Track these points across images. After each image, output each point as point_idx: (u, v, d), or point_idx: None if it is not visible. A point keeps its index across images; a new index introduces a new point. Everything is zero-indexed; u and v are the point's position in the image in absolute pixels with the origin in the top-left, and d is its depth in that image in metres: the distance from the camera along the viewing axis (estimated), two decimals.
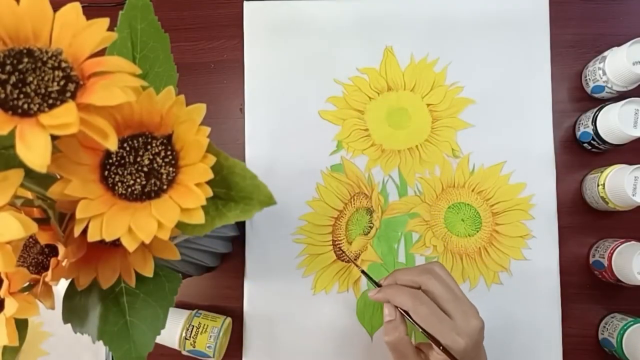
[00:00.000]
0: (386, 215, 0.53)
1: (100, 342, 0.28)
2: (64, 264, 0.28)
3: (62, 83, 0.21)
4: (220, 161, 0.26)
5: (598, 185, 0.49)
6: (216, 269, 0.55)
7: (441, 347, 0.37)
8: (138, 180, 0.24)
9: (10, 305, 0.24)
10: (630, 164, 0.46)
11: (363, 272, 0.47)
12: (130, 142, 0.25)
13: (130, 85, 0.22)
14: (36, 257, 0.32)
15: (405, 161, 0.54)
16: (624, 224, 0.52)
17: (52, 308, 0.29)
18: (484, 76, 0.54)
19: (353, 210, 0.54)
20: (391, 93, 0.55)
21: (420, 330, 0.39)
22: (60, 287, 0.29)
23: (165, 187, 0.25)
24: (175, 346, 0.50)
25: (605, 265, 0.48)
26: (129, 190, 0.24)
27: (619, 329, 0.47)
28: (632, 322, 0.47)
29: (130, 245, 0.23)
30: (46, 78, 0.20)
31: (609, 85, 0.49)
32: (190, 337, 0.49)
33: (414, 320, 0.39)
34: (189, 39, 0.58)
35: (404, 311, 0.40)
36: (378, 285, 0.45)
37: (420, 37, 0.55)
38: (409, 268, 0.44)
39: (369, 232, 0.54)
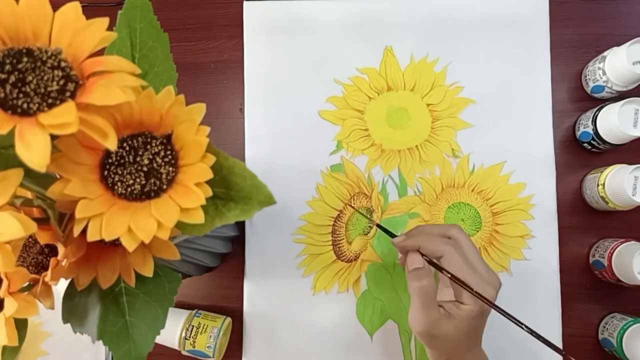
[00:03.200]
0: (386, 215, 0.53)
1: (100, 342, 0.28)
2: (63, 263, 0.28)
3: (61, 82, 0.21)
4: (220, 161, 0.26)
5: (598, 185, 0.49)
6: (216, 269, 0.55)
7: (476, 293, 0.38)
8: (138, 180, 0.24)
9: (10, 305, 0.24)
10: (630, 163, 0.46)
11: (378, 225, 0.47)
12: (129, 142, 0.25)
13: (129, 85, 0.22)
14: (36, 257, 0.32)
15: (405, 161, 0.54)
16: (624, 224, 0.52)
17: (52, 308, 0.29)
18: (484, 76, 0.54)
19: (353, 210, 0.54)
20: (391, 93, 0.55)
21: (451, 278, 0.39)
22: (60, 287, 0.29)
23: (164, 186, 0.25)
24: (175, 346, 0.50)
25: (605, 265, 0.48)
26: (129, 190, 0.24)
27: (619, 329, 0.47)
28: (632, 322, 0.47)
29: (129, 245, 0.23)
30: (46, 77, 0.20)
31: (609, 85, 0.49)
32: (190, 337, 0.49)
33: (443, 269, 0.39)
34: (189, 39, 0.58)
35: (432, 260, 0.41)
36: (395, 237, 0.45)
37: (420, 37, 0.55)
38: (434, 223, 0.43)
39: (369, 232, 0.54)
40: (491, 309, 0.40)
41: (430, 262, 0.41)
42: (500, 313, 0.37)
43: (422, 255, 0.41)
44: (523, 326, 0.37)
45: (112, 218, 0.23)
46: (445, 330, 0.39)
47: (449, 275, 0.39)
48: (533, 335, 0.36)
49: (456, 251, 0.40)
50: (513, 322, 0.37)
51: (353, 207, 0.48)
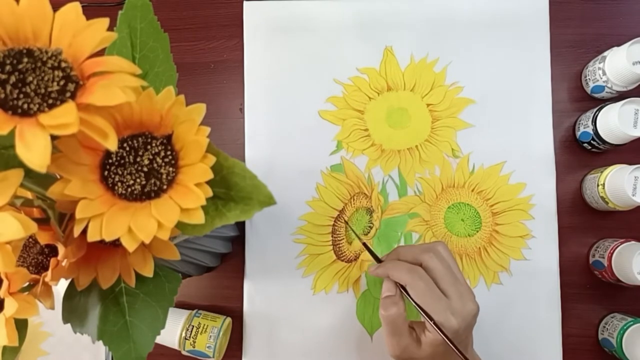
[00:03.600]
0: (386, 215, 0.53)
1: (100, 342, 0.28)
2: (63, 264, 0.28)
3: (61, 83, 0.21)
4: (220, 161, 0.26)
5: (598, 185, 0.49)
6: (216, 269, 0.55)
7: (434, 323, 0.37)
8: (138, 180, 0.24)
9: (10, 306, 0.24)
10: (630, 164, 0.46)
11: (365, 246, 0.47)
12: (130, 142, 0.25)
13: (130, 85, 0.22)
14: (36, 257, 0.32)
15: (405, 161, 0.54)
16: (624, 224, 0.52)
17: (52, 308, 0.29)
18: (483, 76, 0.54)
19: (353, 210, 0.54)
20: (391, 93, 0.55)
21: (415, 306, 0.39)
22: (60, 287, 0.29)
23: (165, 187, 0.25)
24: (175, 346, 0.50)
25: (605, 265, 0.48)
26: (129, 190, 0.24)
27: (619, 329, 0.47)
28: (632, 322, 0.47)
29: (130, 245, 0.23)
30: (46, 78, 0.20)
31: (609, 85, 0.49)
32: (190, 337, 0.49)
33: (409, 296, 0.39)
34: (189, 39, 0.58)
35: (402, 287, 0.40)
36: (380, 261, 0.45)
37: (420, 37, 0.55)
38: (412, 245, 0.44)
39: (368, 232, 0.54)
40: (472, 326, 0.40)
41: (401, 289, 0.41)
42: (452, 348, 0.37)
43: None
44: None
45: (112, 218, 0.23)
46: (414, 355, 0.40)
47: (415, 305, 0.39)
48: None
49: (420, 279, 0.39)
50: (461, 358, 0.37)
51: (361, 240, 0.49)
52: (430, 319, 0.38)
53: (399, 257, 0.43)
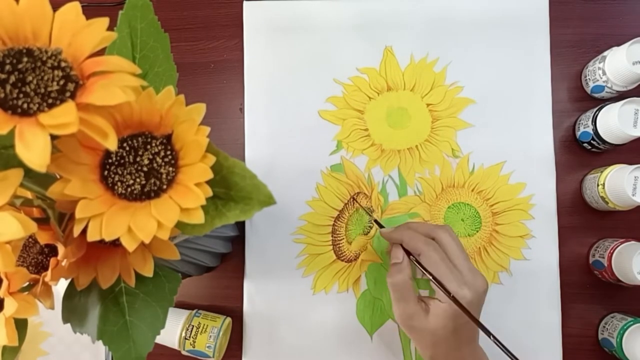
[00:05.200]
0: (386, 215, 0.53)
1: (100, 342, 0.28)
2: (63, 263, 0.28)
3: (61, 83, 0.21)
4: (219, 161, 0.26)
5: (598, 185, 0.49)
6: (216, 269, 0.55)
7: (449, 294, 0.38)
8: (138, 180, 0.24)
9: (10, 305, 0.24)
10: (630, 163, 0.46)
11: (376, 220, 0.49)
12: (129, 142, 0.25)
13: (130, 85, 0.22)
14: (36, 257, 0.32)
15: (405, 161, 0.54)
16: (624, 224, 0.52)
17: (52, 308, 0.29)
18: (483, 76, 0.54)
19: (353, 210, 0.54)
20: (391, 93, 0.55)
21: (428, 276, 0.39)
22: (60, 287, 0.29)
23: (165, 187, 0.25)
24: (175, 346, 0.50)
25: (605, 265, 0.48)
26: (129, 190, 0.24)
27: (619, 329, 0.47)
28: (632, 322, 0.47)
29: (129, 245, 0.23)
30: (46, 78, 0.20)
31: (609, 85, 0.49)
32: (190, 337, 0.49)
33: (421, 266, 0.40)
34: (189, 39, 0.58)
35: (413, 257, 0.41)
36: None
37: (420, 37, 0.55)
38: (424, 222, 0.44)
39: (368, 232, 0.54)
40: (482, 303, 0.40)
41: (412, 258, 0.42)
42: (469, 316, 0.37)
43: (406, 250, 0.42)
44: (491, 337, 0.36)
45: (112, 218, 0.23)
46: (422, 324, 0.40)
47: (426, 274, 0.39)
48: (499, 347, 0.36)
49: (435, 250, 0.40)
50: (481, 329, 0.37)
51: (357, 202, 0.49)
52: (444, 289, 0.38)
53: (410, 229, 0.44)
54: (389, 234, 0.45)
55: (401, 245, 0.43)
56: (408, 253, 0.42)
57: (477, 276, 0.40)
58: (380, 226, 0.48)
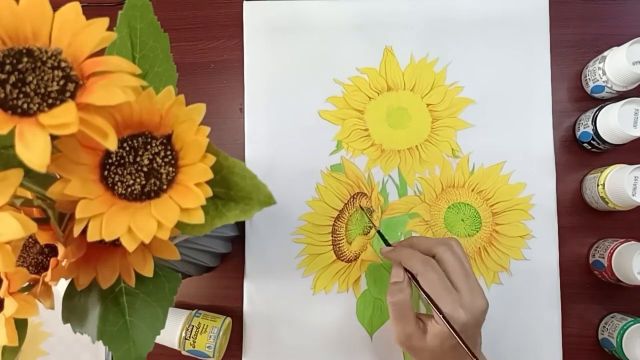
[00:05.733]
0: (386, 215, 0.53)
1: (100, 342, 0.28)
2: (63, 263, 0.28)
3: (61, 83, 0.21)
4: (219, 161, 0.26)
5: (598, 185, 0.49)
6: (216, 269, 0.55)
7: (442, 316, 0.37)
8: (138, 180, 0.24)
9: (10, 305, 0.24)
10: (630, 163, 0.46)
11: (378, 232, 0.48)
12: (129, 142, 0.25)
13: (129, 85, 0.22)
14: (36, 257, 0.32)
15: (405, 161, 0.54)
16: (624, 224, 0.52)
17: (52, 308, 0.29)
18: (483, 76, 0.54)
19: (353, 210, 0.54)
20: (391, 93, 0.55)
21: (425, 296, 0.39)
22: (60, 287, 0.29)
23: (165, 187, 0.25)
24: (175, 346, 0.50)
25: (605, 265, 0.48)
26: (129, 190, 0.24)
27: (619, 329, 0.47)
28: (632, 322, 0.47)
29: (129, 245, 0.23)
30: (46, 78, 0.20)
31: (609, 85, 0.49)
32: (190, 337, 0.49)
33: (420, 286, 0.39)
34: (189, 39, 0.58)
35: (412, 276, 0.41)
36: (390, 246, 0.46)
37: (420, 37, 0.55)
38: (426, 237, 0.44)
39: (369, 232, 0.54)
40: (481, 323, 0.40)
41: (411, 277, 0.41)
42: (457, 339, 0.37)
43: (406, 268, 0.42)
44: None
45: (112, 218, 0.23)
46: (420, 345, 0.39)
47: (424, 295, 0.39)
48: None
49: (432, 270, 0.39)
50: (470, 354, 0.36)
51: (365, 212, 0.49)
52: (439, 310, 0.38)
53: (411, 246, 0.43)
54: (388, 253, 0.44)
55: None
56: (408, 271, 0.42)
57: (476, 296, 0.39)
58: (385, 240, 0.47)
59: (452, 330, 0.37)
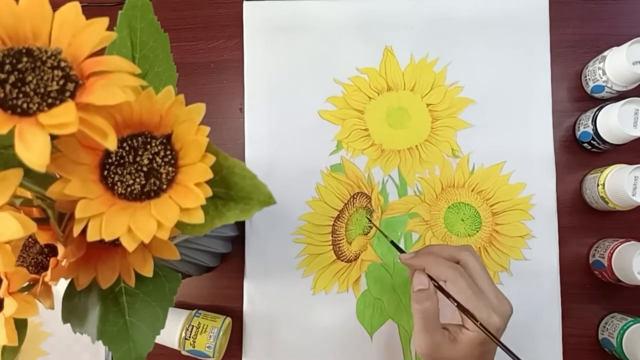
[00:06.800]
0: (386, 215, 0.53)
1: (100, 342, 0.28)
2: (63, 263, 0.28)
3: (61, 82, 0.21)
4: (219, 161, 0.26)
5: (598, 185, 0.49)
6: (216, 269, 0.55)
7: (478, 322, 0.37)
8: (137, 180, 0.24)
9: (10, 305, 0.24)
10: (630, 163, 0.46)
11: (392, 242, 0.47)
12: (129, 142, 0.25)
13: (129, 85, 0.22)
14: (35, 257, 0.32)
15: (405, 161, 0.54)
16: (624, 224, 0.52)
17: (52, 308, 0.29)
18: (483, 76, 0.54)
19: (353, 210, 0.54)
20: (391, 93, 0.55)
21: (455, 304, 0.38)
22: (60, 287, 0.29)
23: (164, 186, 0.25)
24: (175, 346, 0.50)
25: (605, 265, 0.48)
26: (129, 190, 0.24)
27: (619, 329, 0.47)
28: (632, 322, 0.47)
29: (129, 245, 0.23)
30: (45, 77, 0.20)
31: (609, 85, 0.49)
32: (190, 337, 0.49)
33: (447, 293, 0.38)
34: (189, 39, 0.58)
35: (437, 284, 0.40)
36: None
37: (420, 37, 0.55)
38: (444, 244, 0.43)
39: (368, 232, 0.54)
40: (503, 331, 0.39)
41: (436, 285, 0.40)
42: (500, 347, 0.36)
43: (429, 276, 0.40)
44: None
45: (112, 218, 0.23)
46: (448, 354, 0.38)
47: (453, 302, 0.38)
48: None
49: (462, 276, 0.38)
50: (511, 356, 0.36)
51: (377, 228, 0.49)
52: (473, 317, 0.37)
53: (432, 253, 0.42)
54: (409, 260, 0.42)
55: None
56: (431, 278, 0.40)
57: (503, 300, 0.38)
58: (399, 249, 0.46)
59: (491, 337, 0.36)
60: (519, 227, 0.52)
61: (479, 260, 0.41)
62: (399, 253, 0.44)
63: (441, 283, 0.40)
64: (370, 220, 0.53)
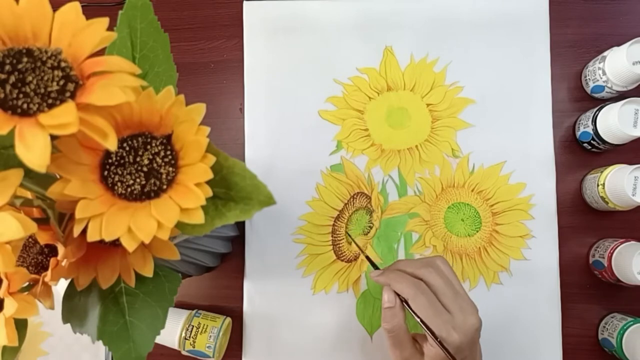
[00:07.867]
0: (386, 215, 0.53)
1: (100, 342, 0.28)
2: (63, 264, 0.28)
3: (61, 83, 0.21)
4: (219, 161, 0.26)
5: (598, 185, 0.49)
6: (216, 269, 0.55)
7: (436, 339, 0.37)
8: (138, 180, 0.24)
9: (10, 305, 0.24)
10: (630, 163, 0.46)
11: (367, 257, 0.48)
12: (129, 142, 0.25)
13: (129, 85, 0.22)
14: (36, 257, 0.32)
15: (405, 161, 0.54)
16: (624, 224, 0.52)
17: (52, 308, 0.29)
18: (483, 76, 0.54)
19: (353, 210, 0.54)
20: (391, 93, 0.55)
21: (417, 320, 0.38)
22: (60, 287, 0.29)
23: (164, 187, 0.25)
24: (175, 346, 0.50)
25: (605, 265, 0.48)
26: (129, 190, 0.24)
27: (619, 329, 0.47)
28: (632, 322, 0.47)
29: (129, 245, 0.23)
30: (45, 78, 0.20)
31: (609, 85, 0.49)
32: (190, 337, 0.49)
33: (411, 309, 0.39)
34: (189, 39, 0.58)
35: (403, 299, 0.40)
36: (377, 269, 0.45)
37: (420, 37, 0.55)
38: (412, 259, 0.44)
39: (368, 232, 0.54)
40: (477, 340, 0.40)
41: (402, 301, 0.40)
42: None
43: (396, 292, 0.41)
44: None
45: (112, 218, 0.23)
46: None
47: (417, 319, 0.38)
48: None
49: (423, 293, 0.39)
50: None
51: (363, 251, 0.49)
52: (432, 333, 0.37)
53: (398, 269, 0.42)
54: (377, 277, 0.43)
55: None
56: (399, 295, 0.41)
57: (468, 316, 0.38)
58: (373, 265, 0.46)
59: (447, 354, 0.37)
60: (519, 227, 0.52)
61: (445, 274, 0.40)
62: (370, 270, 0.45)
63: (407, 300, 0.40)
64: (349, 235, 0.53)
